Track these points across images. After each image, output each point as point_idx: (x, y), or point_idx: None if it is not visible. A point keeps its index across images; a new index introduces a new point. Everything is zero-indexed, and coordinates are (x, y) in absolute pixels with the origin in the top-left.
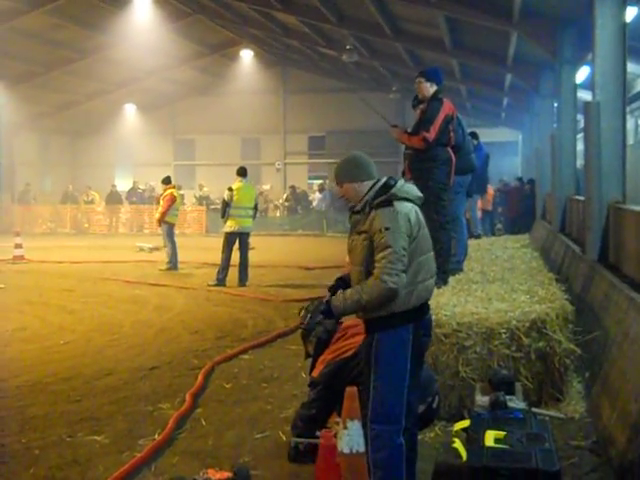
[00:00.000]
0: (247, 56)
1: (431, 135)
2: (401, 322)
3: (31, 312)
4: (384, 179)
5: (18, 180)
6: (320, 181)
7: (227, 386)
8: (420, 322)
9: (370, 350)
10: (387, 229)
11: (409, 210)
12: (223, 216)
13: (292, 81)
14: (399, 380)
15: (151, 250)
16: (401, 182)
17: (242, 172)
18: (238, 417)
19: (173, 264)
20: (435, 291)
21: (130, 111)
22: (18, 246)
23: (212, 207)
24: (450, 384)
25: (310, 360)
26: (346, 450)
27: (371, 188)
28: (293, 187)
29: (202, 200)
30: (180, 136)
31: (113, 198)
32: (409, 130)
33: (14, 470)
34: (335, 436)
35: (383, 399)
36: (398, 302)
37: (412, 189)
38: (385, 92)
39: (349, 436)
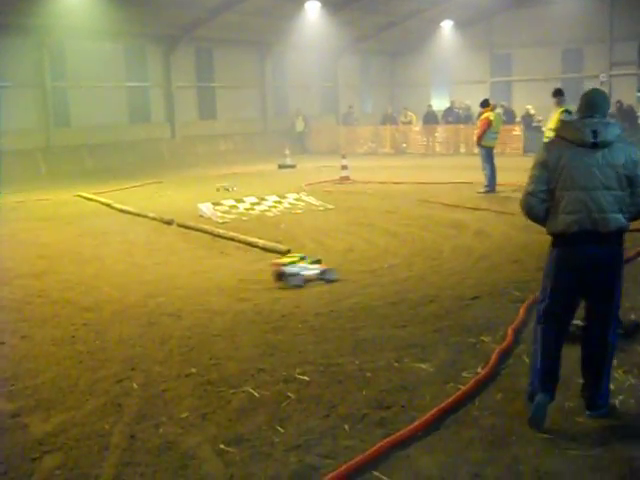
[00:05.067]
0: None
1: None
2: (553, 243)
3: (357, 233)
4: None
5: (341, 102)
6: None
7: None
8: (576, 252)
9: None
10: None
11: (555, 146)
12: None
13: None
14: (546, 288)
15: (233, 189)
16: (571, 120)
17: (562, 93)
18: (563, 358)
19: (491, 187)
20: None
21: (446, 28)
22: (344, 167)
23: (534, 125)
24: None
25: None
26: None
27: None
28: (619, 102)
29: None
30: (497, 51)
31: (429, 118)
32: None
33: (349, 390)
34: None
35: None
36: (549, 224)
37: (574, 131)
38: None
39: None
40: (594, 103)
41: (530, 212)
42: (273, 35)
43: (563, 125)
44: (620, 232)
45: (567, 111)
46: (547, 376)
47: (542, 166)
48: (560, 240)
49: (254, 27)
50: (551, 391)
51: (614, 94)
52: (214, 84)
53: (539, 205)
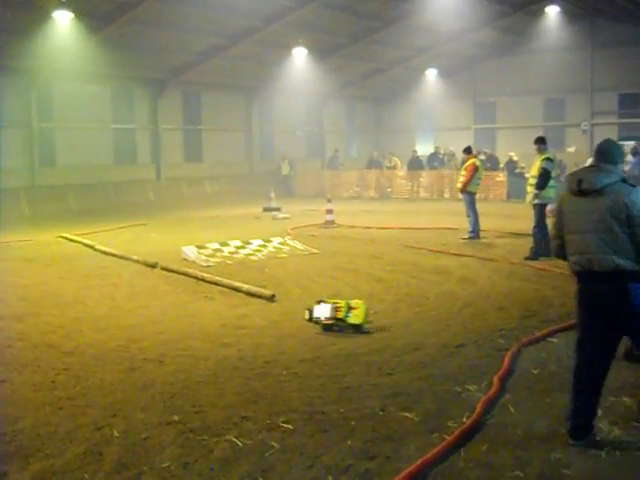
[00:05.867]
0: (552, 12)
1: None
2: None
3: (342, 278)
4: None
5: (327, 146)
6: (632, 143)
7: (535, 372)
8: (584, 289)
9: None
10: None
11: (561, 196)
12: (542, 188)
13: (602, 34)
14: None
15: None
16: (575, 172)
17: (544, 141)
18: (548, 408)
19: (475, 233)
20: None
21: (431, 76)
22: (329, 212)
23: (517, 171)
24: None
25: None
26: None
27: None
28: None
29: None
30: (480, 99)
31: (414, 163)
32: None
33: (333, 439)
34: None
35: None
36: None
37: (571, 181)
38: None
39: None
40: (600, 150)
41: (556, 254)
42: (260, 80)
43: (567, 176)
44: (621, 271)
45: (549, 158)
46: (575, 413)
47: (555, 214)
48: (576, 279)
49: (242, 72)
50: (579, 434)
51: (595, 142)
52: (201, 127)
53: (559, 249)
